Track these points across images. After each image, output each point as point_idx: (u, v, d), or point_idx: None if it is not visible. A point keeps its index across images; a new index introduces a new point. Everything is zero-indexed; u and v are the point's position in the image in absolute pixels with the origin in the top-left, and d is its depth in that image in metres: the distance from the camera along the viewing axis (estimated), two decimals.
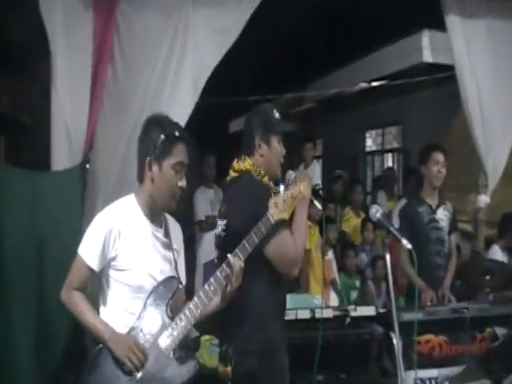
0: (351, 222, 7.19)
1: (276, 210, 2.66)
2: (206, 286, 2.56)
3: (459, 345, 4.13)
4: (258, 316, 2.87)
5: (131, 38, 3.93)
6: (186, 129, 3.75)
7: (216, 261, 2.98)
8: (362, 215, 7.10)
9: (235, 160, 3.06)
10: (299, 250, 2.89)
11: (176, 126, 2.63)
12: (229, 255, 2.58)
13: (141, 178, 2.64)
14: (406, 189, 7.31)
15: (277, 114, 3.07)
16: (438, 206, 4.66)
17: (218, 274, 2.57)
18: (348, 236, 7.08)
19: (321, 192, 3.30)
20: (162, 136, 2.55)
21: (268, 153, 3.02)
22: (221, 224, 3.01)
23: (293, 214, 2.93)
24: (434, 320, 4.08)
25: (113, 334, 2.50)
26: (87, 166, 3.91)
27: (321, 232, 6.05)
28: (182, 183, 2.59)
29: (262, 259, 2.83)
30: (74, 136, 3.75)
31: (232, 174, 3.06)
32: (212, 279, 2.57)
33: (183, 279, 2.75)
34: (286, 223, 2.85)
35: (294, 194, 2.72)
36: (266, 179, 2.97)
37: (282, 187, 2.74)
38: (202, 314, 2.55)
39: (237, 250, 2.61)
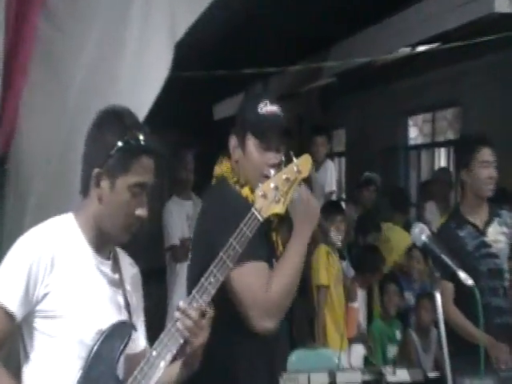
0: (400, 243, 7.18)
1: (264, 203, 2.64)
2: (169, 326, 2.56)
3: None
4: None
5: None
6: (154, 115, 3.76)
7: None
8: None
9: (218, 161, 3.16)
10: (276, 296, 2.86)
11: (141, 128, 2.62)
12: (180, 302, 2.56)
13: (85, 190, 2.63)
14: None
15: (266, 108, 3.07)
16: (487, 223, 4.64)
17: (170, 327, 2.56)
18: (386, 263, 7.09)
19: (338, 201, 3.32)
20: (120, 143, 2.54)
21: (243, 159, 3.09)
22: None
23: (290, 226, 2.95)
24: None
25: None
26: (5, 166, 3.91)
27: (342, 257, 6.09)
28: (142, 212, 2.58)
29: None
30: None
31: (213, 180, 3.15)
32: (177, 314, 2.56)
33: (142, 334, 2.76)
34: (264, 251, 2.88)
35: (289, 177, 2.70)
36: (246, 190, 3.01)
37: (272, 171, 2.73)
38: (164, 367, 2.55)
39: (206, 277, 2.58)
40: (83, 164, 2.64)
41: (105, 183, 2.56)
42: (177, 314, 2.55)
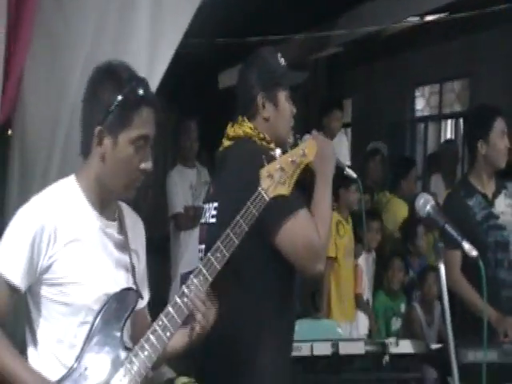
0: (397, 214, 7.19)
1: (271, 183, 2.67)
2: (176, 297, 2.57)
3: None
4: (264, 352, 2.91)
5: None
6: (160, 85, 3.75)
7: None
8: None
9: (229, 125, 3.13)
10: (324, 239, 2.93)
11: (140, 81, 2.60)
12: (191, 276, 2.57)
13: (86, 151, 2.62)
14: None
15: (282, 60, 3.14)
16: (495, 194, 4.64)
17: (177, 300, 2.57)
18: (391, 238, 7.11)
19: (353, 174, 3.31)
20: (120, 97, 2.52)
21: (275, 114, 3.10)
22: (209, 208, 3.07)
23: (309, 195, 2.97)
24: None
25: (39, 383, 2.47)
26: (9, 132, 3.92)
27: (355, 231, 6.05)
28: (147, 165, 2.58)
29: (267, 257, 2.88)
30: None
31: (226, 142, 3.12)
32: (184, 287, 2.57)
33: (146, 293, 2.77)
34: (301, 199, 2.90)
35: (294, 160, 2.73)
36: (271, 147, 3.02)
37: (278, 151, 2.76)
38: (170, 338, 2.55)
39: (213, 252, 2.60)
40: (82, 124, 2.62)
41: (107, 140, 2.54)
42: (185, 291, 2.56)
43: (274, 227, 2.83)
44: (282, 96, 3.11)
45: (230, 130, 3.10)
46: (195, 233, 6.88)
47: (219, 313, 2.66)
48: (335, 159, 3.11)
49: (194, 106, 9.32)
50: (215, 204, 3.04)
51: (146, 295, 2.77)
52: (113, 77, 2.57)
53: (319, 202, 3.00)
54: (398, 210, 7.16)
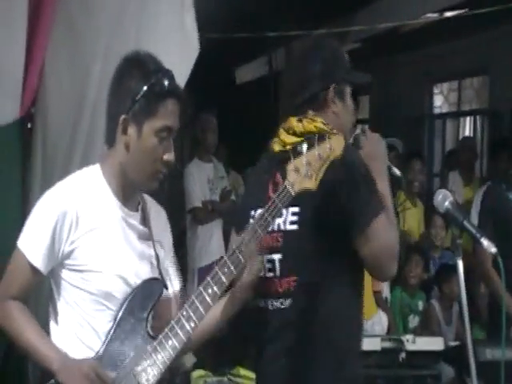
0: (407, 214, 7.20)
1: (297, 178, 2.64)
2: (201, 288, 2.58)
3: None
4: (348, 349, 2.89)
5: None
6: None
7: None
8: (420, 205, 7.12)
9: (294, 119, 2.93)
10: (398, 241, 2.87)
11: (166, 73, 2.61)
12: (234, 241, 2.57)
13: (110, 140, 2.64)
14: (493, 169, 7.30)
15: (347, 57, 3.04)
16: None
17: (218, 270, 2.58)
18: (406, 235, 7.09)
19: (398, 173, 3.26)
20: (145, 87, 2.54)
21: (343, 110, 3.00)
22: (285, 214, 2.87)
23: None
24: None
25: (66, 363, 2.50)
26: (29, 125, 3.93)
27: None
28: (169, 156, 2.59)
29: (343, 255, 2.82)
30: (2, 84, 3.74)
31: (291, 139, 2.91)
32: (209, 278, 2.58)
33: (175, 282, 2.79)
34: (379, 199, 2.84)
35: (321, 154, 2.71)
36: None
37: (304, 146, 2.70)
38: (195, 329, 2.56)
39: (238, 246, 2.60)
40: (108, 113, 2.65)
41: (132, 130, 2.56)
42: (210, 281, 2.57)
43: (358, 229, 2.76)
44: (347, 92, 3.01)
45: (297, 126, 2.90)
46: (212, 227, 6.97)
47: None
48: (386, 153, 3.06)
49: (210, 100, 9.31)
50: (294, 209, 2.86)
51: (177, 284, 2.80)
52: (140, 67, 2.59)
53: (384, 199, 2.88)
54: (409, 211, 7.17)
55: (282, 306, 2.86)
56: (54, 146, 3.90)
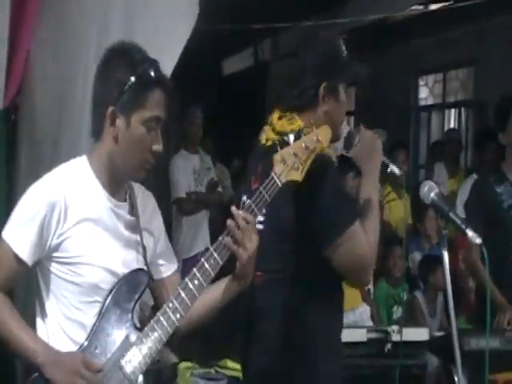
0: (392, 206, 7.22)
1: (284, 168, 2.63)
2: (187, 280, 2.57)
3: None
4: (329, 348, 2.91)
5: None
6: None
7: None
8: (406, 197, 7.14)
9: (276, 114, 2.94)
10: (374, 248, 2.86)
11: (152, 63, 2.61)
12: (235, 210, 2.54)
13: (97, 133, 2.63)
14: (478, 161, 7.31)
15: (344, 48, 2.99)
16: None
17: (204, 261, 2.56)
18: (391, 226, 7.13)
19: (397, 171, 3.22)
20: (133, 78, 2.53)
21: (335, 108, 2.95)
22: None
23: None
24: None
25: (50, 356, 2.48)
26: (13, 116, 3.92)
27: None
28: (157, 146, 2.59)
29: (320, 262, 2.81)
30: None
31: (271, 134, 2.93)
32: (195, 270, 2.58)
33: (174, 262, 2.81)
34: (355, 210, 2.84)
35: (308, 145, 2.70)
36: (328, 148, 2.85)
37: (291, 137, 2.68)
38: (180, 321, 2.57)
39: (224, 236, 2.58)
40: (94, 105, 2.63)
41: (120, 121, 2.55)
42: (196, 273, 2.56)
43: (326, 242, 2.77)
44: (342, 90, 2.96)
45: (278, 123, 2.91)
46: (198, 218, 6.97)
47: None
48: (382, 155, 3.02)
49: (197, 93, 9.28)
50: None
51: (175, 264, 2.82)
52: (126, 57, 2.58)
53: (368, 203, 2.90)
54: (394, 203, 7.21)
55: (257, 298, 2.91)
56: (39, 138, 3.89)
